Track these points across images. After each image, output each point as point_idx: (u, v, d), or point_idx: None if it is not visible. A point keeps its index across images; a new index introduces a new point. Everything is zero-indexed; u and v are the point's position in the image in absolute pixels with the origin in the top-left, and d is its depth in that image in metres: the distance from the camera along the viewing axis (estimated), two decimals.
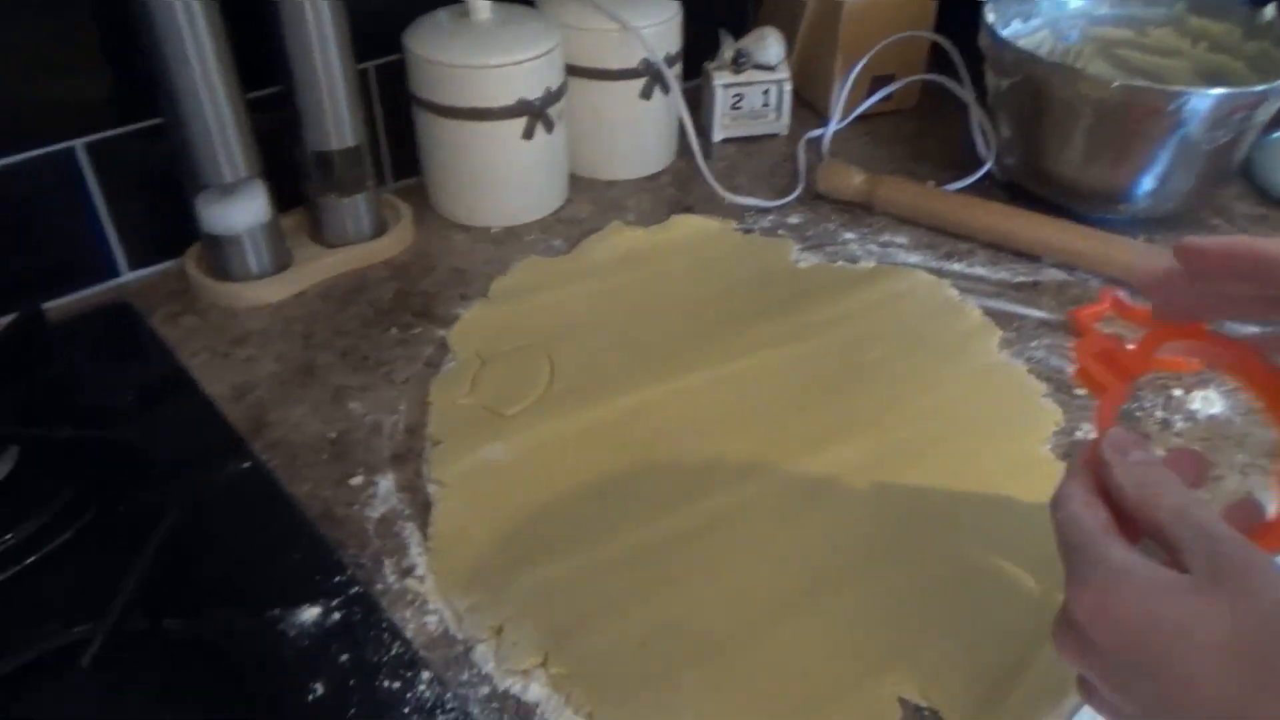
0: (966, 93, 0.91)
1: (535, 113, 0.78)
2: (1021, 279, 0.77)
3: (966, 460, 0.60)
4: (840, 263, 0.79)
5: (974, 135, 0.89)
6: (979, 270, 0.78)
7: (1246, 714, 0.28)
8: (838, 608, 0.52)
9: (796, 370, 0.67)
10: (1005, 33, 0.83)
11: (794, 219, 0.84)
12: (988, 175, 0.87)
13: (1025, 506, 0.57)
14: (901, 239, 0.82)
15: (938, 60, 0.96)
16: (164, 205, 0.74)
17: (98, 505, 0.55)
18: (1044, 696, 0.48)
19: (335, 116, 0.73)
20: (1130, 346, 0.42)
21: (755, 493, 0.58)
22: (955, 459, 0.61)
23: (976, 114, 0.90)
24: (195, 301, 0.73)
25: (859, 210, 0.85)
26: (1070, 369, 0.68)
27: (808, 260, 0.79)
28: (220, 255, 0.73)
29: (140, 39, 0.64)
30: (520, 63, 0.75)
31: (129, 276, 0.76)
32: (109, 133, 0.70)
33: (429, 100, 0.77)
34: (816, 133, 0.95)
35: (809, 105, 1.00)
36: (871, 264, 0.78)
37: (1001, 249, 0.79)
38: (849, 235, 0.82)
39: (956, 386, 0.66)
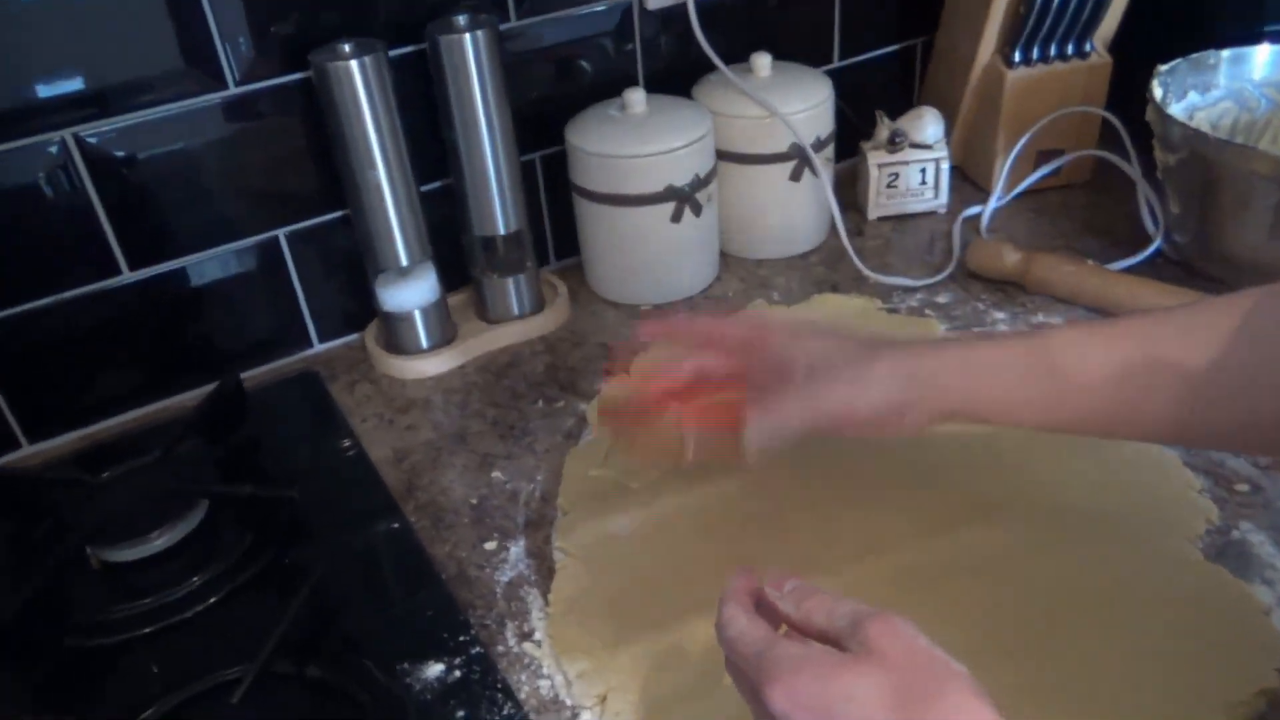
0: (1134, 169, 0.88)
1: (683, 197, 0.82)
2: None
3: (1110, 552, 0.58)
4: None
5: (1141, 212, 0.85)
6: None
7: None
8: None
9: (927, 449, 0.66)
10: (1181, 105, 0.80)
11: (942, 298, 0.83)
12: (1158, 254, 0.83)
13: (1159, 607, 0.54)
14: (1056, 319, 0.79)
15: (1108, 134, 0.92)
16: (352, 285, 0.83)
17: (269, 556, 0.62)
18: None
19: (500, 204, 0.79)
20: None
21: (874, 574, 0.58)
22: (1098, 548, 0.58)
23: (1144, 190, 0.86)
24: (371, 371, 0.81)
25: (1014, 290, 0.83)
26: None
27: None
28: (394, 330, 0.81)
29: (331, 142, 0.73)
30: (667, 152, 0.79)
31: (319, 348, 0.85)
32: (307, 223, 0.80)
33: (583, 187, 0.83)
34: (976, 210, 0.94)
35: (972, 182, 0.98)
36: None
37: None
38: (999, 315, 0.80)
39: (1105, 474, 0.63)
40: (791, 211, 0.89)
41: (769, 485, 0.64)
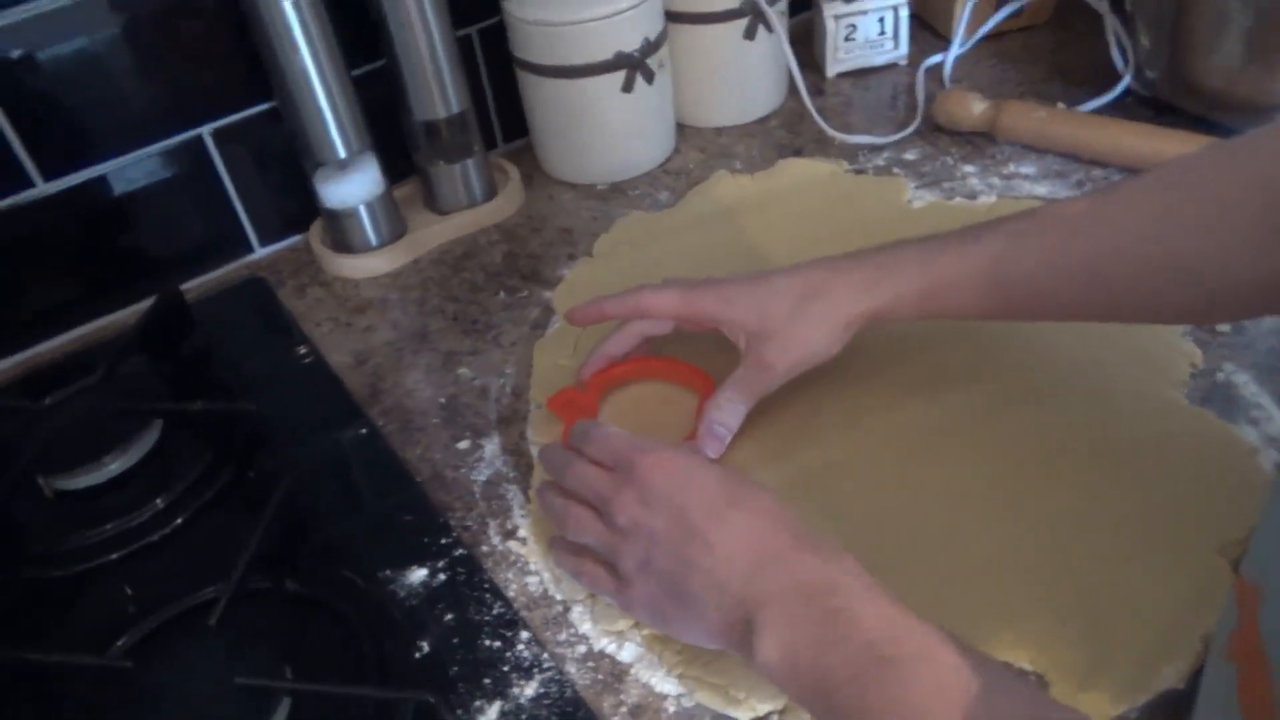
0: (1100, 2, 0.84)
1: (634, 64, 0.77)
2: None
3: (1095, 402, 0.57)
4: (958, 199, 0.75)
5: (1110, 48, 0.82)
6: None
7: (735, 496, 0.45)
8: (951, 561, 0.50)
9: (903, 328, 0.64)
10: None
11: (910, 155, 0.80)
12: (1127, 92, 0.80)
13: (1147, 452, 0.54)
14: (1028, 169, 0.76)
15: None
16: (289, 183, 0.78)
17: (231, 472, 0.59)
18: (1162, 658, 0.45)
19: (439, 85, 0.74)
20: (584, 391, 0.60)
21: (861, 441, 0.57)
22: (1084, 399, 0.57)
23: (1112, 24, 0.82)
24: (319, 273, 0.77)
25: (983, 141, 0.80)
26: None
27: (922, 199, 0.75)
28: (339, 228, 0.76)
29: (250, 28, 0.67)
30: (613, 15, 0.74)
31: (262, 253, 0.80)
32: (232, 118, 0.74)
33: (526, 60, 0.77)
34: (937, 58, 0.90)
35: (930, 29, 0.94)
36: (992, 199, 0.74)
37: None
38: (969, 169, 0.78)
39: (1078, 332, 0.61)
40: (747, 73, 0.85)
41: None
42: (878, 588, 0.40)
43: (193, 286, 0.77)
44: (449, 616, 0.51)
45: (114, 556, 0.57)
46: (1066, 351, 0.60)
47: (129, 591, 0.55)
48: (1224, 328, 0.61)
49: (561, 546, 0.50)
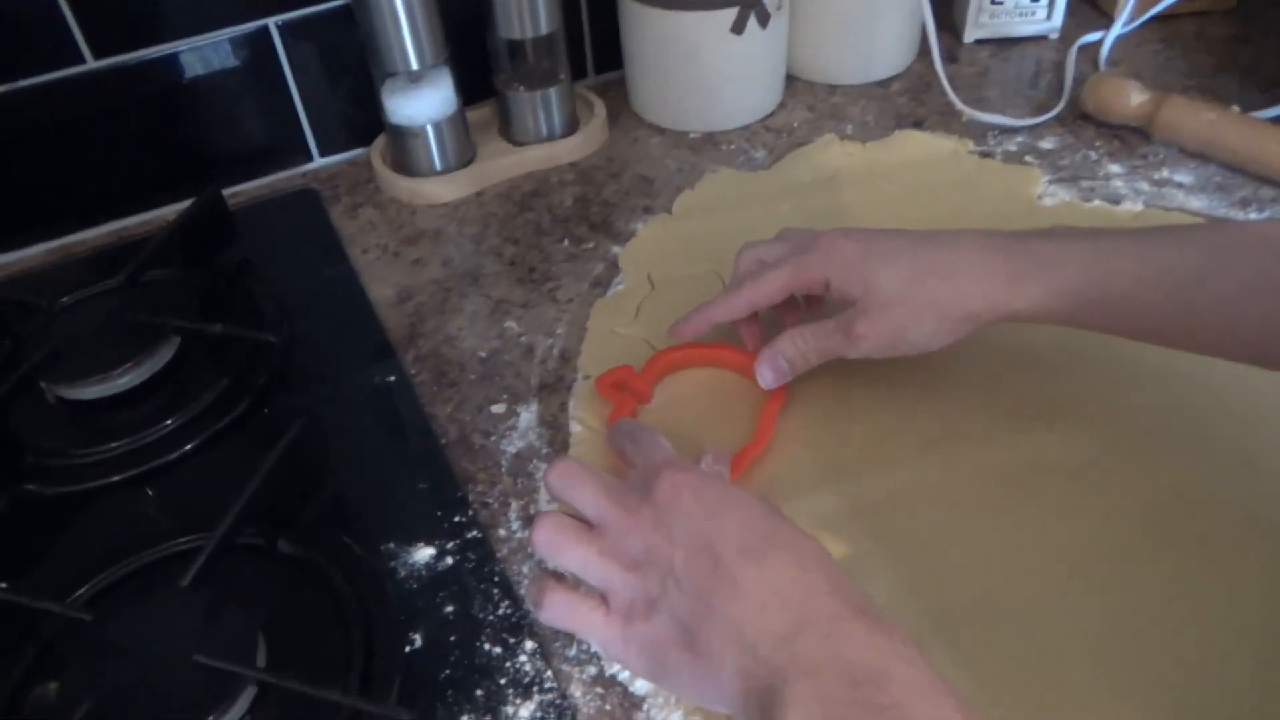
0: None
1: (748, 3, 0.68)
2: None
3: (1238, 463, 0.48)
4: (1097, 202, 0.65)
5: None
6: None
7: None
8: (1032, 638, 0.43)
9: (1012, 332, 0.55)
10: None
11: (1048, 143, 0.70)
12: None
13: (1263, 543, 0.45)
14: (1184, 177, 0.66)
15: None
16: (357, 91, 0.71)
17: (247, 404, 0.54)
18: None
19: (529, 1, 0.66)
20: (638, 373, 0.53)
21: (949, 469, 0.49)
22: (1225, 459, 0.49)
23: None
24: (376, 194, 0.71)
25: (1135, 138, 0.69)
26: None
27: (1056, 196, 0.65)
28: (403, 147, 0.70)
29: None
30: None
31: (320, 163, 0.74)
32: (301, 11, 0.68)
33: None
34: (1095, 36, 0.79)
35: (1092, 2, 0.83)
36: (1138, 207, 0.64)
37: None
38: (1114, 168, 0.67)
39: (1220, 378, 0.52)
40: (875, 26, 0.75)
41: (827, 364, 0.55)
42: (940, 685, 0.33)
43: (241, 191, 0.72)
44: (449, 608, 0.45)
45: (115, 479, 0.52)
46: (1213, 395, 0.51)
47: (116, 523, 0.50)
48: None
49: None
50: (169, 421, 0.54)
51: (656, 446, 0.42)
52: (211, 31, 0.66)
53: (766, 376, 0.50)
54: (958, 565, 0.45)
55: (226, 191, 0.68)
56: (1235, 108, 0.67)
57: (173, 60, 0.66)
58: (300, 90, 0.71)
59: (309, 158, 0.74)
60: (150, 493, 0.51)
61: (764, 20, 0.69)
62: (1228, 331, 0.44)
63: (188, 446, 0.53)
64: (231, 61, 0.67)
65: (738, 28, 0.69)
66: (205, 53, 0.66)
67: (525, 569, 0.47)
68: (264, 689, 0.40)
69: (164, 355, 0.56)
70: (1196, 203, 0.64)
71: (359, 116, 0.73)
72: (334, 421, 0.54)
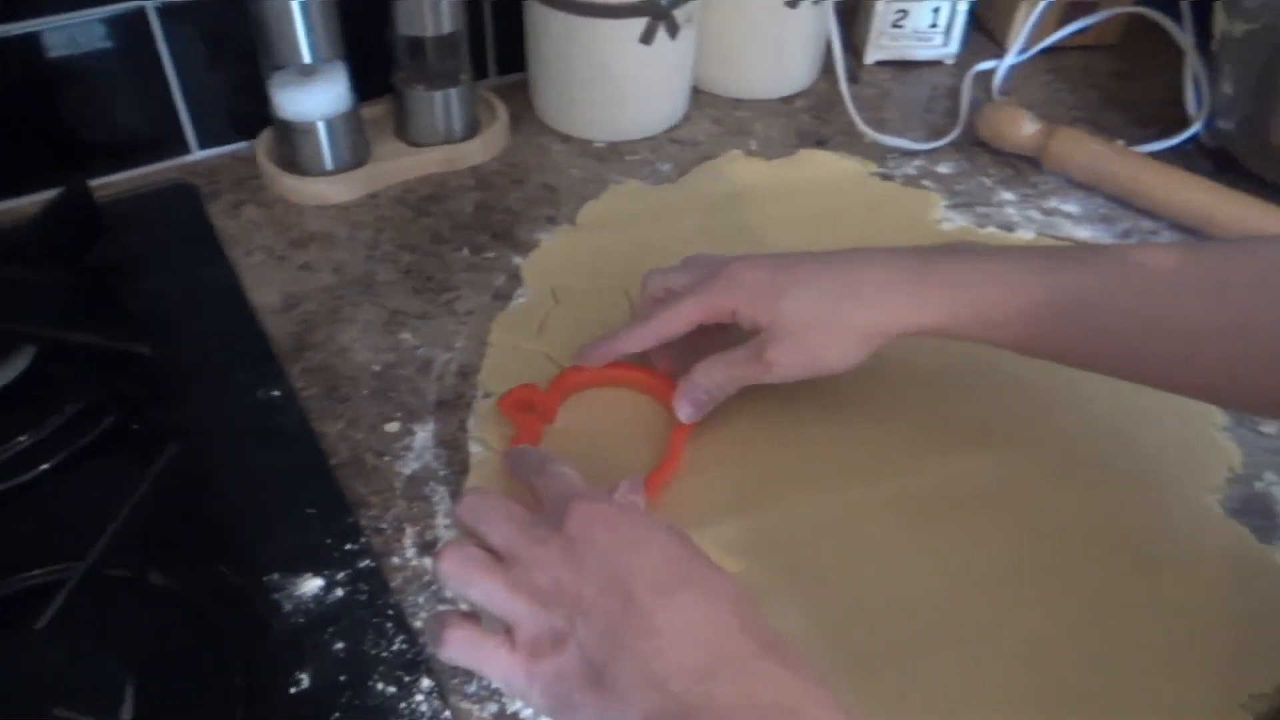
0: (1185, 35, 0.75)
1: (659, 13, 0.67)
2: None
3: (1128, 493, 0.50)
4: (991, 229, 0.66)
5: (1185, 88, 0.74)
6: None
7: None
8: (939, 666, 0.43)
9: (919, 358, 0.56)
10: None
11: (945, 168, 0.71)
12: (1194, 140, 0.72)
13: (1175, 567, 0.46)
14: (1072, 207, 0.68)
15: None
16: (243, 81, 0.67)
17: (113, 421, 0.50)
18: None
19: None
20: (544, 392, 0.52)
21: (862, 499, 0.49)
22: (1116, 488, 0.50)
23: (1192, 62, 0.74)
24: (262, 192, 0.67)
25: (1026, 166, 0.71)
26: None
27: (953, 221, 0.67)
28: (292, 144, 0.66)
29: None
30: None
31: (200, 155, 0.70)
32: None
33: None
34: (989, 64, 0.81)
35: (987, 32, 0.85)
36: (1030, 235, 0.66)
37: (1196, 234, 0.65)
38: (1007, 195, 0.69)
39: (1115, 402, 0.54)
40: (783, 44, 0.75)
41: None
42: None
43: (111, 183, 0.66)
44: (339, 645, 0.42)
45: None
46: (1105, 419, 0.53)
47: None
48: (1269, 429, 0.54)
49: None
50: (22, 438, 0.49)
51: (564, 477, 0.40)
52: (81, 9, 0.61)
53: (686, 411, 0.49)
54: (868, 598, 0.45)
55: (95, 183, 0.63)
56: (1120, 142, 0.70)
57: (35, 39, 0.60)
58: (180, 77, 0.66)
59: (186, 149, 0.69)
60: (12, 515, 0.46)
61: (673, 31, 0.68)
62: (1124, 355, 0.45)
63: (44, 466, 0.49)
64: (103, 43, 0.62)
65: (646, 38, 0.68)
66: (74, 32, 0.61)
67: (421, 600, 0.45)
68: None
69: (17, 365, 0.51)
70: (1083, 232, 0.66)
71: (244, 107, 0.68)
72: (213, 440, 0.50)
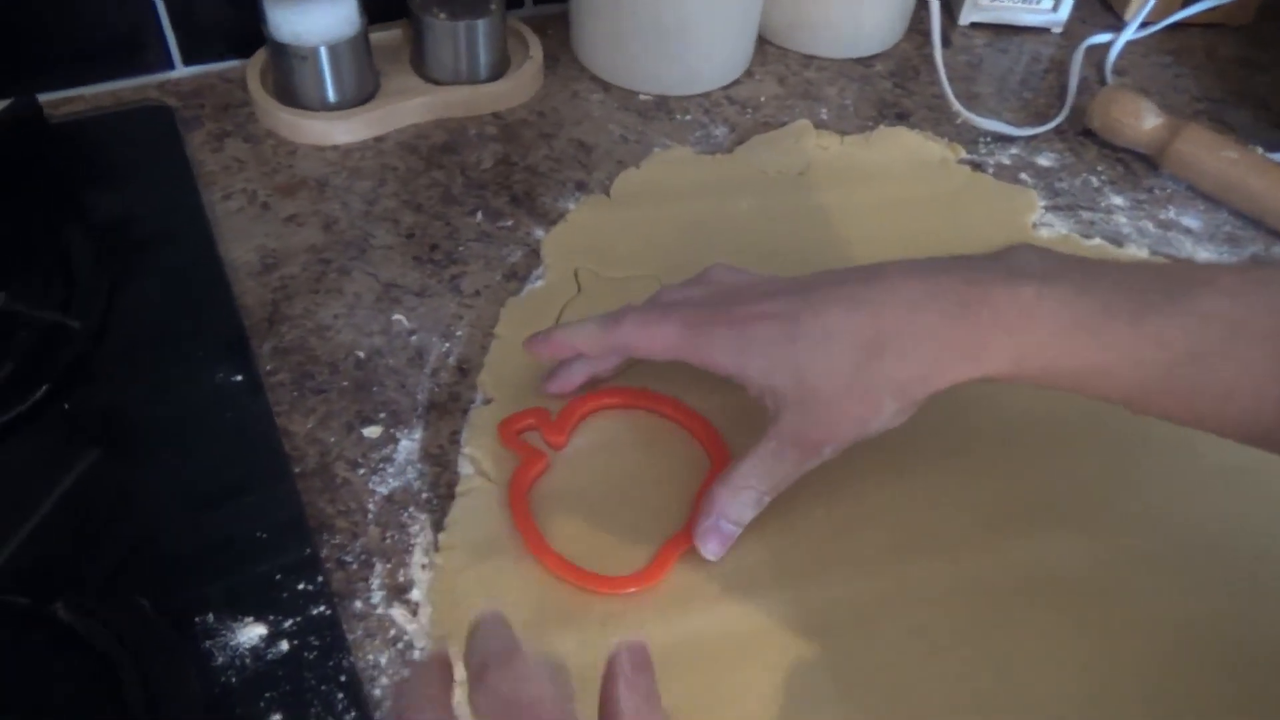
0: None
1: None
2: None
3: (1237, 595, 0.41)
4: (1097, 240, 0.56)
5: None
6: None
7: None
8: None
9: (992, 418, 0.46)
10: None
11: (1045, 159, 0.61)
12: None
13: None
14: (1192, 221, 0.58)
15: None
16: None
17: (35, 399, 0.42)
18: None
19: None
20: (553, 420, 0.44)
21: (922, 580, 0.40)
22: (1224, 588, 0.41)
23: None
24: (250, 123, 0.58)
25: (1139, 165, 0.61)
26: None
27: (1052, 227, 0.57)
28: (287, 71, 0.56)
29: None
30: None
31: (182, 72, 0.60)
32: None
33: None
34: (1103, 37, 0.70)
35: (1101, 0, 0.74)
36: (1142, 252, 0.56)
37: None
38: (1117, 200, 0.59)
39: (1228, 481, 0.45)
40: None
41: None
42: None
43: (75, 97, 0.57)
44: (276, 716, 0.35)
45: None
46: (1197, 509, 0.44)
47: None
48: None
49: None
50: None
51: (529, 683, 0.27)
52: None
53: (713, 549, 0.39)
54: (917, 695, 0.37)
55: (56, 96, 0.54)
56: (1259, 149, 0.59)
57: None
58: None
59: (169, 64, 0.60)
60: None
61: None
62: (1245, 412, 0.35)
63: None
64: None
65: None
66: None
67: (384, 660, 0.37)
68: None
69: None
70: (1205, 252, 0.56)
71: (234, 21, 0.59)
72: (151, 434, 0.42)
